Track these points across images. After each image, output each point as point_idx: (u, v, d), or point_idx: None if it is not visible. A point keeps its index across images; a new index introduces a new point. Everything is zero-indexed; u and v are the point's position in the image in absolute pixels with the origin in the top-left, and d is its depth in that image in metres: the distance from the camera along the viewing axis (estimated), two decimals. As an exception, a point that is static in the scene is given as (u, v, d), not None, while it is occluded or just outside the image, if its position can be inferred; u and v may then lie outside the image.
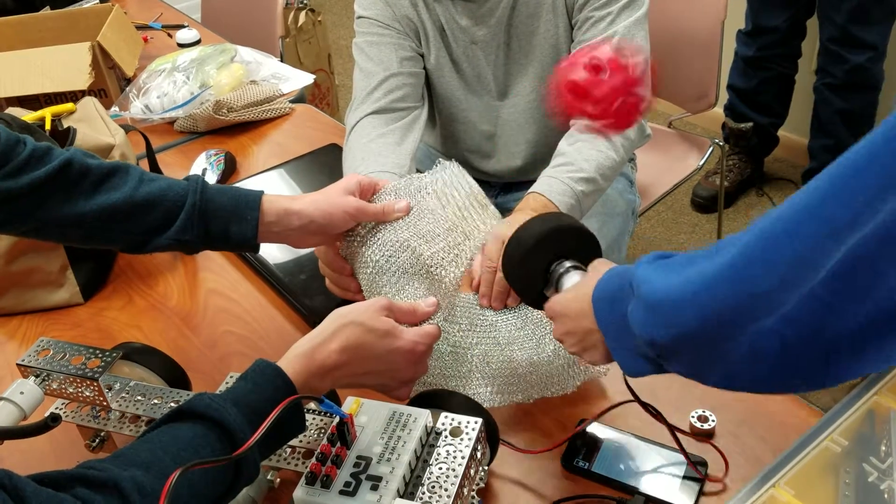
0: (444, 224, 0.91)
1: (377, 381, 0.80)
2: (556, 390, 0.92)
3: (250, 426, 0.66)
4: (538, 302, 0.85)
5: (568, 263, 0.83)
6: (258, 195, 0.91)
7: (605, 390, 0.93)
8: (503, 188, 1.53)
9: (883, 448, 0.58)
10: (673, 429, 0.78)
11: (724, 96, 2.52)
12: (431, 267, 0.90)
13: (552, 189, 1.13)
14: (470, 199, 0.92)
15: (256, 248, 0.92)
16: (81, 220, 0.86)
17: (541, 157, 1.40)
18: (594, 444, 0.85)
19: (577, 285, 0.79)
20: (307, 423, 0.75)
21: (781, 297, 0.51)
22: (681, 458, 0.82)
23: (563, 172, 1.15)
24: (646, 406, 0.80)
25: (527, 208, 1.12)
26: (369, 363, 0.78)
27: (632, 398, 0.80)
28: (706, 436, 0.85)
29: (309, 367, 0.73)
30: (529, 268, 0.84)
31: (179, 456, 0.62)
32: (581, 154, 1.17)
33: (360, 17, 1.33)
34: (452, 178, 0.93)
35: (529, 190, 1.16)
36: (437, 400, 0.79)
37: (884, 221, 0.45)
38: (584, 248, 0.85)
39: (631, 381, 0.79)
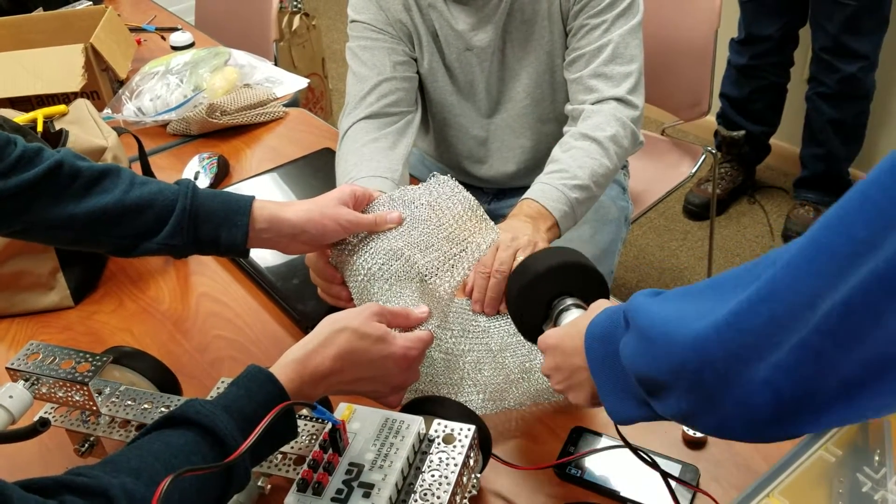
0: (441, 233, 0.91)
1: (369, 387, 0.80)
2: (547, 396, 0.92)
3: (241, 433, 0.65)
4: (535, 335, 0.84)
5: (569, 301, 0.83)
6: (249, 200, 0.90)
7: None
8: (496, 194, 1.53)
9: (877, 458, 0.58)
10: (665, 475, 0.76)
11: (716, 104, 2.53)
12: (426, 276, 0.90)
13: (546, 195, 1.13)
14: (468, 211, 0.92)
15: (246, 254, 0.91)
16: (71, 223, 0.85)
17: (534, 164, 1.40)
18: (587, 452, 0.85)
19: (574, 321, 0.78)
20: (299, 430, 0.75)
21: (772, 338, 0.50)
22: (673, 465, 0.82)
23: (557, 179, 1.15)
24: (637, 452, 0.77)
25: (521, 214, 1.12)
26: (362, 369, 0.77)
27: (623, 444, 0.78)
28: (698, 444, 0.85)
29: (301, 373, 0.73)
30: (531, 299, 0.84)
31: (170, 463, 0.62)
32: (575, 161, 1.17)
33: (353, 21, 1.33)
34: (449, 191, 0.94)
35: (523, 196, 1.16)
36: (430, 406, 0.79)
37: (876, 267, 0.44)
38: (590, 286, 0.84)
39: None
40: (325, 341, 0.75)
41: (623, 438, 0.77)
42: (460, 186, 0.93)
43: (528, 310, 0.85)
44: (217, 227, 0.88)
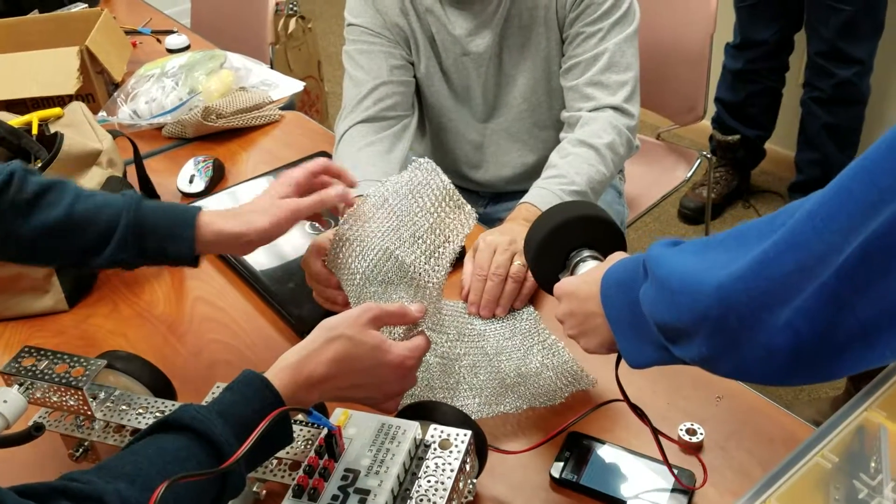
0: (424, 223, 0.89)
1: (365, 394, 0.79)
2: (544, 401, 0.92)
3: (237, 438, 0.65)
4: (550, 284, 0.86)
5: (587, 252, 0.85)
6: (194, 213, 0.88)
7: (593, 401, 0.92)
8: (492, 198, 1.53)
9: (873, 465, 0.58)
10: (656, 432, 0.78)
11: (711, 109, 2.54)
12: (414, 274, 0.89)
13: (544, 200, 1.13)
14: (445, 198, 0.90)
15: (195, 263, 0.90)
16: (16, 239, 0.84)
17: (530, 169, 1.40)
18: (583, 456, 0.85)
19: (590, 270, 0.80)
20: (294, 435, 0.74)
21: (797, 284, 0.51)
22: (669, 470, 0.81)
23: (555, 184, 1.15)
24: (633, 407, 0.80)
25: (518, 218, 1.12)
26: (357, 376, 0.77)
27: (621, 398, 0.80)
28: (694, 449, 0.85)
29: (296, 378, 0.73)
30: (550, 249, 0.85)
31: (165, 469, 0.61)
32: (573, 167, 1.17)
33: (350, 25, 1.33)
34: (426, 177, 0.91)
35: (521, 200, 1.16)
36: (426, 411, 0.79)
37: (893, 213, 0.46)
38: (608, 240, 0.86)
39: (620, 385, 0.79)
40: (321, 347, 0.75)
41: (623, 392, 0.79)
42: (437, 169, 0.91)
43: (546, 260, 0.86)
44: (163, 241, 0.87)
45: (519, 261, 1.04)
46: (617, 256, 0.78)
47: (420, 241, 0.89)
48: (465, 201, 0.91)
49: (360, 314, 0.79)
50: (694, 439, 0.85)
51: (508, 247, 1.03)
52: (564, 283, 0.81)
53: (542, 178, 1.18)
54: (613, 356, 0.78)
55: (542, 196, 1.14)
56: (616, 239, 0.86)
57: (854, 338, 0.51)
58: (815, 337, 0.52)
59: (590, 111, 1.24)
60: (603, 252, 0.84)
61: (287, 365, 0.74)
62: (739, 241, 0.58)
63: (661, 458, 0.80)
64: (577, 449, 0.86)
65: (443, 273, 0.88)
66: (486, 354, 0.97)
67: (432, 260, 0.88)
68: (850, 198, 0.49)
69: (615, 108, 1.23)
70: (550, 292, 0.86)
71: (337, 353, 0.75)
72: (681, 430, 0.86)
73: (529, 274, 1.04)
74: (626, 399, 0.80)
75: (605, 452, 0.85)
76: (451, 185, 0.91)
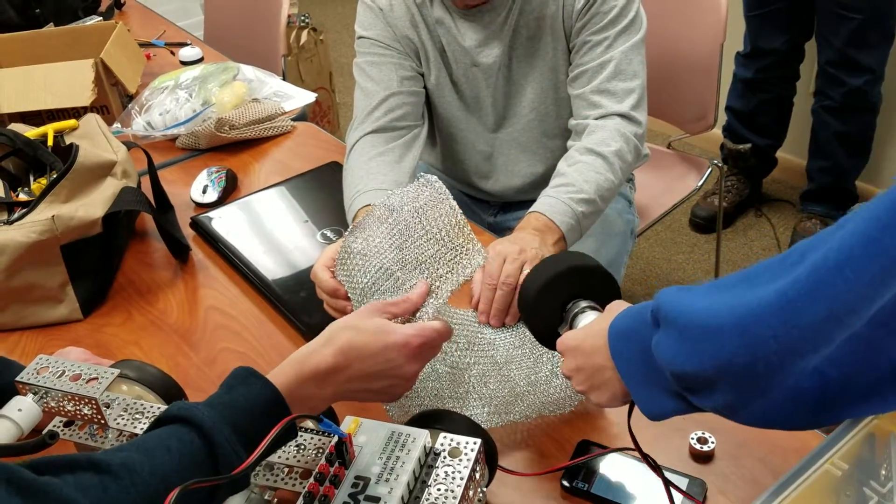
0: (428, 252, 0.89)
1: (379, 384, 0.78)
2: (553, 409, 0.92)
3: (219, 414, 0.66)
4: (551, 339, 0.85)
5: (584, 303, 0.83)
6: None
7: (603, 411, 0.93)
8: (502, 207, 1.53)
9: (883, 472, 0.58)
10: (668, 483, 0.76)
11: (722, 118, 2.54)
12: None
13: (553, 209, 1.13)
14: (454, 227, 0.89)
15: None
16: None
17: (539, 179, 1.41)
18: (593, 465, 0.85)
19: (593, 322, 0.78)
20: (305, 443, 0.75)
21: (828, 334, 0.51)
22: (681, 479, 0.81)
23: (563, 193, 1.16)
24: (646, 457, 0.77)
25: (528, 227, 1.12)
26: (367, 363, 0.76)
27: (632, 447, 0.78)
28: (706, 458, 0.85)
29: (300, 371, 0.73)
30: (545, 303, 0.84)
31: (145, 444, 0.63)
32: (581, 175, 1.17)
33: (360, 38, 1.34)
34: (434, 197, 0.90)
35: (530, 209, 1.16)
36: (436, 420, 0.79)
37: None
38: (603, 289, 0.85)
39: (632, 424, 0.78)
40: (326, 340, 0.75)
41: (635, 442, 0.77)
42: (446, 192, 0.91)
43: (542, 315, 0.85)
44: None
45: (528, 269, 1.04)
46: (617, 307, 0.76)
47: (423, 266, 0.88)
48: (474, 236, 0.90)
49: (363, 309, 0.80)
50: (705, 448, 0.85)
51: (518, 256, 1.03)
52: (567, 339, 0.79)
53: (550, 187, 1.19)
54: None
55: (551, 205, 1.14)
56: (609, 285, 0.85)
57: (884, 379, 0.50)
58: (844, 380, 0.51)
59: (597, 119, 1.24)
60: (599, 301, 0.83)
61: (290, 360, 0.74)
62: (753, 283, 0.56)
63: (674, 467, 0.80)
64: (588, 457, 0.86)
65: (440, 302, 0.86)
66: (496, 363, 0.97)
67: (433, 287, 0.88)
68: (881, 251, 0.47)
69: (622, 116, 1.24)
70: (552, 347, 0.85)
71: (342, 342, 0.75)
72: (692, 438, 0.86)
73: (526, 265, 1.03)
74: (639, 448, 0.77)
75: (616, 461, 0.85)
76: (462, 216, 0.89)
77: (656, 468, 0.76)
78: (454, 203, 0.90)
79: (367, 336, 0.77)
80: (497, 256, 1.05)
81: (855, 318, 0.49)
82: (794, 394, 0.54)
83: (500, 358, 0.97)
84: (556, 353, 0.97)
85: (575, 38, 1.26)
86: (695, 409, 0.63)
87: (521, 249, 1.04)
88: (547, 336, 0.86)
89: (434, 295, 0.87)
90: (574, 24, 1.25)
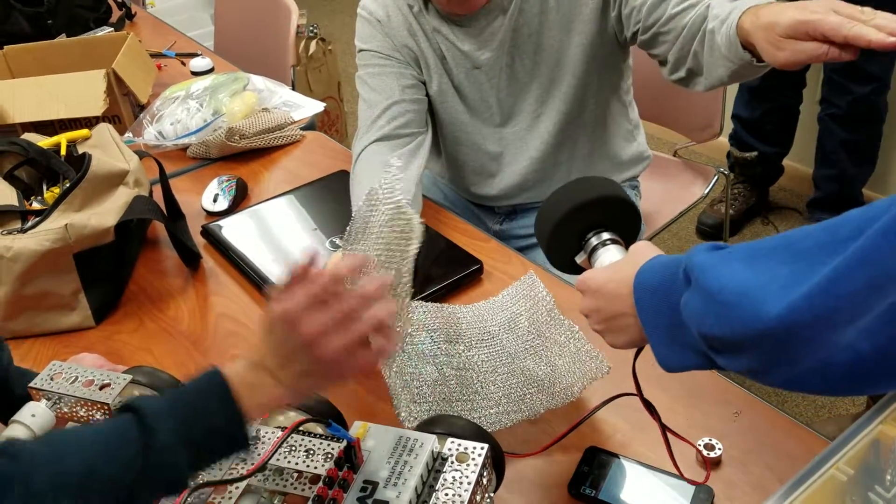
0: (385, 240, 0.88)
1: (297, 365, 0.71)
2: (561, 399, 0.92)
3: (168, 407, 0.64)
4: (565, 266, 0.85)
5: (606, 236, 0.82)
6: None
7: (610, 419, 0.93)
8: (507, 215, 1.54)
9: (888, 477, 0.58)
10: (665, 428, 0.78)
11: (728, 126, 2.54)
12: (394, 291, 0.89)
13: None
14: (395, 212, 0.87)
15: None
16: None
17: (542, 174, 1.42)
18: (601, 471, 0.85)
19: (616, 265, 0.78)
20: (314, 448, 0.76)
21: (867, 303, 0.50)
22: (687, 486, 0.82)
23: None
24: (646, 402, 0.79)
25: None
26: (273, 347, 0.71)
27: (635, 393, 0.80)
28: (713, 464, 0.85)
29: (251, 359, 0.70)
30: (567, 230, 0.83)
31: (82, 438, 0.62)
32: None
33: (361, 51, 1.36)
34: (388, 184, 0.88)
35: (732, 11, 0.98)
36: (444, 425, 0.80)
37: None
38: (626, 221, 0.84)
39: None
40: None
41: (638, 388, 0.79)
42: (395, 177, 0.88)
43: (561, 240, 0.84)
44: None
45: None
46: (644, 251, 0.75)
47: (392, 255, 0.88)
48: (409, 210, 0.85)
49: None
50: (712, 454, 0.85)
51: None
52: (589, 279, 0.78)
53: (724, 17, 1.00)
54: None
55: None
56: (633, 218, 0.84)
57: None
58: (877, 353, 0.51)
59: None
60: (620, 232, 0.82)
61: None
62: (797, 255, 0.55)
63: (680, 473, 0.80)
64: (595, 463, 0.86)
65: (407, 286, 0.85)
66: (508, 354, 0.98)
67: (403, 279, 0.88)
68: None
69: None
70: (564, 270, 0.86)
71: (262, 328, 0.71)
72: (699, 444, 0.86)
73: None
74: (640, 394, 0.79)
75: (623, 467, 0.86)
76: (399, 199, 0.86)
77: (653, 412, 0.79)
78: (397, 187, 0.87)
79: (273, 317, 0.71)
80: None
81: (893, 285, 0.49)
82: (822, 365, 0.54)
83: (511, 348, 0.98)
84: (560, 343, 0.98)
85: (615, 3, 1.21)
86: (715, 367, 0.64)
87: None
88: (562, 262, 0.86)
89: (403, 281, 0.85)
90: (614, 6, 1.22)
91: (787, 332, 0.54)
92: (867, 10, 0.83)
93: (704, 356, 0.64)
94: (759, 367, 0.59)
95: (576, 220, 0.83)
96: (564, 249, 0.85)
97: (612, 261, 0.81)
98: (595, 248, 0.83)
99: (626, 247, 0.83)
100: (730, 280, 0.59)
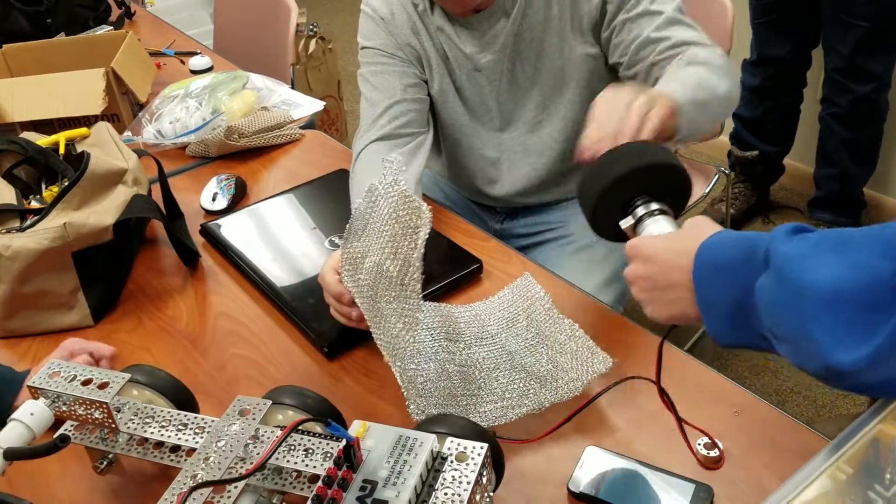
0: (392, 232, 0.89)
1: None
2: (565, 392, 0.92)
3: None
4: (607, 232, 0.82)
5: (655, 206, 0.80)
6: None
7: (610, 417, 0.93)
8: (509, 214, 1.54)
9: (888, 476, 0.58)
10: (681, 421, 0.77)
11: (729, 125, 2.54)
12: (402, 282, 0.89)
13: (664, 89, 1.04)
14: (401, 202, 0.88)
15: None
16: None
17: (545, 181, 1.42)
18: (600, 470, 0.85)
19: (676, 235, 0.75)
20: (313, 447, 0.75)
21: None
22: (687, 485, 0.82)
23: (670, 84, 1.07)
24: (661, 390, 0.79)
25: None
26: None
27: (643, 377, 0.80)
28: (713, 463, 0.85)
29: None
30: (616, 194, 0.81)
31: None
32: (688, 77, 1.10)
33: (363, 48, 1.35)
34: (391, 178, 0.90)
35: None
36: (443, 424, 0.80)
37: None
38: (674, 189, 0.81)
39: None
40: None
41: (659, 371, 0.77)
42: (398, 170, 0.89)
43: (608, 206, 0.82)
44: None
45: (641, 100, 0.94)
46: (704, 225, 0.72)
47: (398, 250, 0.88)
48: (416, 198, 0.87)
49: None
50: (713, 453, 0.85)
51: (627, 96, 0.94)
52: (643, 245, 0.76)
53: (655, 90, 1.06)
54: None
55: (661, 87, 1.06)
56: (684, 190, 0.81)
57: None
58: None
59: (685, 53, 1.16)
60: (668, 201, 0.80)
61: None
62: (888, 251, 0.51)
63: (681, 473, 0.80)
64: (595, 463, 0.86)
65: (417, 279, 0.87)
66: (507, 352, 0.98)
67: (412, 268, 0.88)
68: None
69: (715, 48, 1.17)
70: (603, 236, 0.83)
71: None
72: (699, 444, 0.86)
73: (651, 113, 0.93)
74: (658, 381, 0.77)
75: (624, 467, 0.86)
76: (404, 189, 0.87)
77: (667, 398, 0.77)
78: (400, 178, 0.89)
79: None
80: (604, 103, 0.95)
81: None
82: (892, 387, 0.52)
83: (511, 346, 0.99)
84: (560, 341, 0.98)
85: (609, 26, 1.22)
86: (771, 351, 0.61)
87: (630, 90, 0.96)
88: (604, 228, 0.83)
89: (414, 274, 0.86)
90: (601, 17, 1.22)
91: (853, 374, 0.53)
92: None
93: (765, 340, 0.62)
94: (824, 376, 0.57)
95: (626, 186, 0.81)
96: (610, 215, 0.83)
97: (662, 231, 0.78)
98: (643, 217, 0.80)
99: (674, 217, 0.81)
100: (821, 279, 0.54)
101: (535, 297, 1.05)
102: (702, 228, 0.72)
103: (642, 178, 0.81)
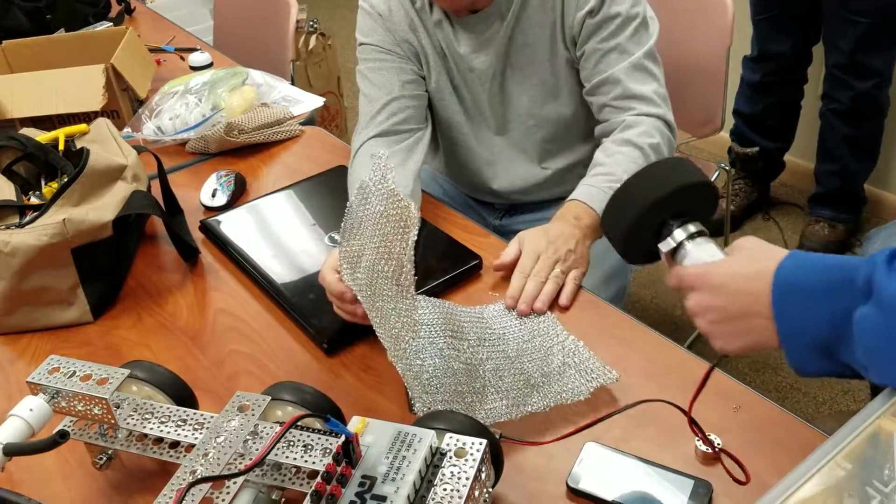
0: (381, 233, 0.89)
1: None
2: (570, 396, 0.93)
3: None
4: (639, 258, 0.79)
5: (693, 227, 0.76)
6: None
7: (617, 402, 0.93)
8: (507, 210, 1.54)
9: (886, 472, 0.58)
10: (693, 422, 0.78)
11: (729, 121, 2.54)
12: (400, 280, 0.90)
13: (593, 197, 1.15)
14: (390, 200, 0.88)
15: None
16: None
17: (541, 181, 1.42)
18: (599, 466, 0.85)
19: (735, 260, 0.70)
20: (312, 443, 0.75)
21: None
22: (686, 480, 0.82)
23: (602, 182, 1.17)
24: (692, 421, 0.79)
25: (569, 216, 1.14)
26: None
27: (651, 399, 0.79)
28: (712, 458, 0.85)
29: None
30: (646, 223, 0.76)
31: None
32: (620, 166, 1.18)
33: (361, 45, 1.35)
34: (380, 175, 0.89)
35: (570, 197, 1.18)
36: (443, 420, 0.80)
37: None
38: (705, 206, 0.78)
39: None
40: None
41: (691, 403, 0.77)
42: (385, 167, 0.90)
43: (640, 234, 0.77)
44: None
45: (559, 268, 1.08)
46: (765, 247, 0.67)
47: (390, 247, 0.89)
48: (403, 198, 0.88)
49: None
50: (711, 450, 0.85)
51: (552, 255, 1.08)
52: (707, 273, 0.70)
53: (588, 176, 1.20)
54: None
55: (592, 193, 1.16)
56: (712, 205, 0.78)
57: None
58: None
59: (633, 116, 1.24)
60: (701, 220, 0.76)
61: None
62: None
63: (681, 469, 0.80)
64: (593, 459, 0.86)
65: (410, 279, 0.89)
66: (508, 357, 0.98)
67: (405, 269, 0.89)
68: None
69: (660, 118, 1.24)
70: (634, 263, 0.81)
71: None
72: (698, 440, 0.86)
73: (568, 278, 1.08)
74: (689, 413, 0.75)
75: (622, 462, 0.85)
76: (393, 188, 0.88)
77: (693, 422, 0.77)
78: (389, 176, 0.90)
79: None
80: (532, 254, 1.09)
81: None
82: None
83: (512, 352, 0.99)
84: (566, 345, 0.98)
85: (582, 45, 1.26)
86: (857, 378, 0.59)
87: (556, 249, 1.08)
88: (638, 255, 0.80)
89: (410, 270, 0.88)
90: (579, 33, 1.25)
91: None
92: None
93: (847, 368, 0.59)
94: None
95: (658, 210, 0.76)
96: (643, 242, 0.79)
97: (712, 255, 0.73)
98: (683, 241, 0.76)
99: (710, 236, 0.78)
100: None
101: (541, 318, 1.06)
102: (766, 250, 0.67)
103: (679, 198, 0.76)
